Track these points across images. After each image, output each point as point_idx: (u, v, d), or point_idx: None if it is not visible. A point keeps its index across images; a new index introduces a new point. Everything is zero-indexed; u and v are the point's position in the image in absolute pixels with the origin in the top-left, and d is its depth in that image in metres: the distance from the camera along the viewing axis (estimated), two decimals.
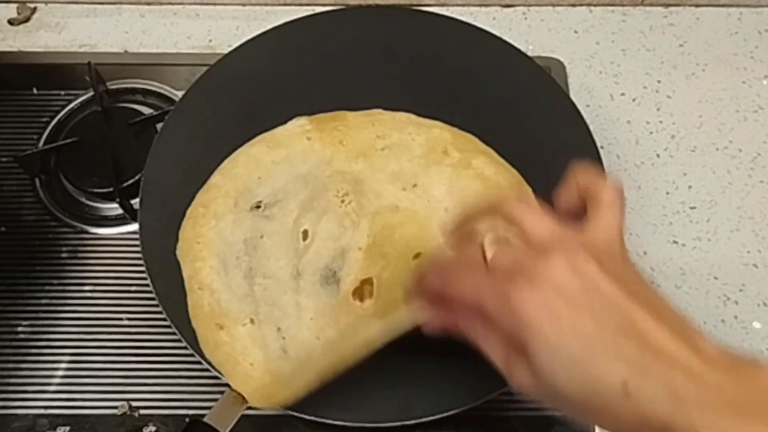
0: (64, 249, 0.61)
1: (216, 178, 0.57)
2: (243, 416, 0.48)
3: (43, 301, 0.59)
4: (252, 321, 0.51)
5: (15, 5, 0.75)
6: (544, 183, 0.48)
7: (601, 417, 0.35)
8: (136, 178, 0.61)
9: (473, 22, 0.64)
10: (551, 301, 0.35)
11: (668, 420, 0.33)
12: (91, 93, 0.67)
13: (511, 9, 0.75)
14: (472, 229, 0.43)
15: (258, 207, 0.55)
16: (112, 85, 0.69)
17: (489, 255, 0.39)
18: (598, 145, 0.58)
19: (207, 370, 0.50)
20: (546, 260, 0.36)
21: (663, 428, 0.33)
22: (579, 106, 0.60)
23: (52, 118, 0.67)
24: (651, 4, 0.75)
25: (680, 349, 0.34)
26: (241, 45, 0.63)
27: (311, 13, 0.66)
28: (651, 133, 0.68)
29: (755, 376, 0.33)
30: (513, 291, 0.36)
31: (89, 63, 0.67)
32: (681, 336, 0.35)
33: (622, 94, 0.70)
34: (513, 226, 0.40)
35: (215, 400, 0.49)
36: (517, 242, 0.39)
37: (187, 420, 0.50)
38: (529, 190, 0.57)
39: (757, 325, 0.59)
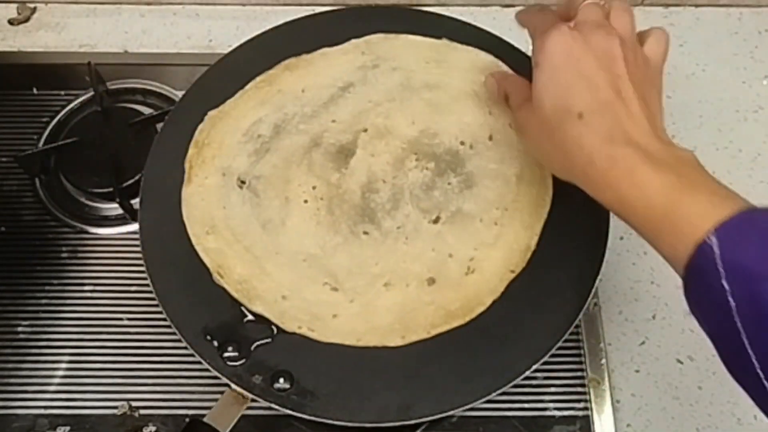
0: (64, 249, 0.61)
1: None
2: (243, 416, 0.48)
3: (43, 301, 0.59)
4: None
5: (15, 5, 0.75)
6: None
7: (553, 140, 0.45)
8: (136, 178, 0.61)
9: (473, 22, 0.64)
10: (575, 43, 0.44)
11: (595, 150, 0.42)
12: (91, 93, 0.67)
13: (511, 9, 0.75)
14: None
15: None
16: (112, 85, 0.69)
17: (579, 10, 0.47)
18: None
19: (207, 370, 0.50)
20: (595, 30, 0.45)
21: (588, 156, 0.42)
22: None
23: (52, 118, 0.67)
24: (651, 4, 0.75)
25: (640, 116, 0.43)
26: (242, 45, 0.62)
27: (311, 13, 0.66)
28: None
29: (678, 150, 0.42)
30: (558, 28, 0.45)
31: (89, 63, 0.67)
32: (648, 115, 0.43)
33: None
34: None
35: (215, 400, 0.49)
36: (599, 12, 0.47)
37: (187, 420, 0.50)
38: None
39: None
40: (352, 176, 0.55)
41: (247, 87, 0.59)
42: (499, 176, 0.55)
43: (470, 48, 0.61)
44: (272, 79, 0.59)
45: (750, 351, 0.34)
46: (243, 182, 0.55)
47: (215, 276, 0.52)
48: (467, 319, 0.50)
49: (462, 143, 0.56)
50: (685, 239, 0.37)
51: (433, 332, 0.50)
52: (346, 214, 0.54)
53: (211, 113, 0.57)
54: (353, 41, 0.61)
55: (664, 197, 0.39)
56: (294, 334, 0.50)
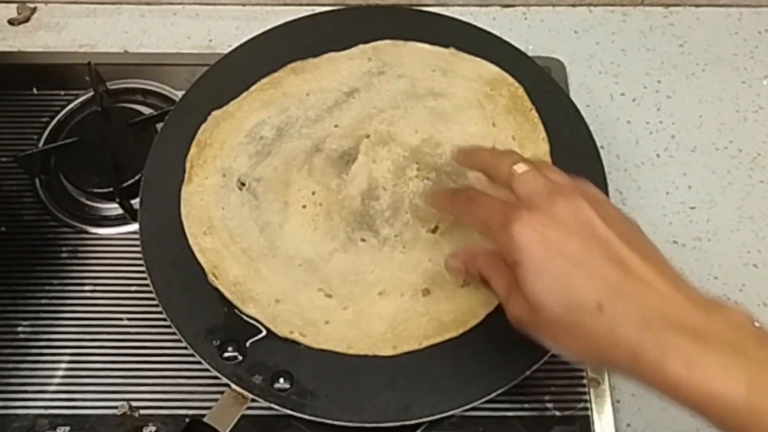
0: (64, 249, 0.61)
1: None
2: (243, 416, 0.48)
3: (43, 301, 0.59)
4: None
5: (15, 5, 0.75)
6: None
7: (577, 337, 0.39)
8: (136, 178, 0.61)
9: (473, 22, 0.64)
10: (545, 228, 0.39)
11: (636, 342, 0.36)
12: (91, 93, 0.67)
13: (511, 9, 0.75)
14: (494, 161, 0.46)
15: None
16: (112, 85, 0.69)
17: (515, 184, 0.43)
18: (598, 145, 0.58)
19: (207, 370, 0.50)
20: (552, 198, 0.40)
21: (631, 350, 0.36)
22: (579, 106, 0.60)
23: (52, 118, 0.67)
24: (651, 4, 0.75)
25: (658, 281, 0.37)
26: (241, 45, 0.63)
27: (311, 13, 0.66)
28: (651, 133, 0.68)
29: (724, 313, 0.36)
30: (516, 213, 0.40)
31: (89, 63, 0.67)
32: (662, 273, 0.38)
33: (622, 94, 0.70)
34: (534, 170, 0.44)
35: (215, 400, 0.49)
36: (540, 179, 0.43)
37: (187, 420, 0.50)
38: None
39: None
40: (353, 182, 0.55)
41: (252, 88, 0.59)
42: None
43: (477, 58, 0.61)
44: (277, 81, 0.59)
45: None
46: (243, 184, 0.55)
47: (210, 277, 0.52)
48: (460, 331, 0.51)
49: None
50: None
51: (425, 343, 0.50)
52: (345, 221, 0.54)
53: (214, 113, 0.58)
54: (360, 46, 0.61)
55: (739, 389, 0.33)
56: (285, 339, 0.50)
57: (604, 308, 0.37)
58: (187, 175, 0.55)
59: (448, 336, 0.50)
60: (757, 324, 0.36)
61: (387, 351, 0.50)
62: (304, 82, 0.59)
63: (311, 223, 0.54)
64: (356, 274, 0.52)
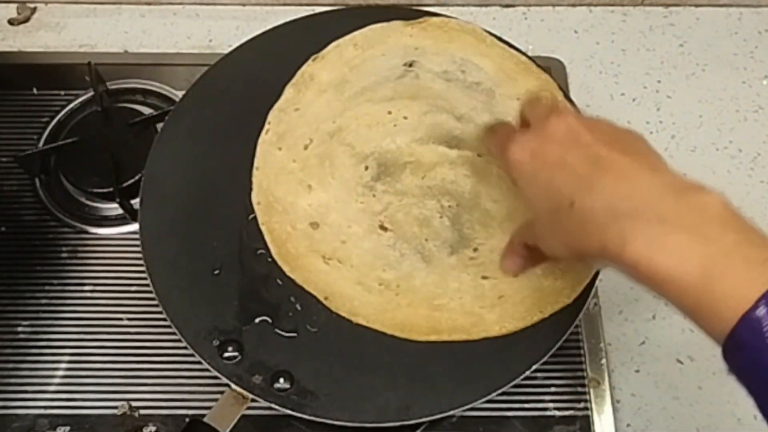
0: (64, 249, 0.61)
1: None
2: (243, 416, 0.48)
3: (43, 301, 0.59)
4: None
5: (15, 5, 0.75)
6: None
7: (557, 234, 0.42)
8: (136, 178, 0.61)
9: (473, 22, 0.64)
10: (533, 144, 0.43)
11: (602, 231, 0.38)
12: (91, 93, 0.67)
13: (511, 9, 0.75)
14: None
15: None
16: (112, 85, 0.69)
17: (526, 113, 0.47)
18: None
19: (207, 370, 0.50)
20: (546, 119, 0.43)
21: (599, 240, 0.38)
22: (579, 106, 0.59)
23: (52, 118, 0.67)
24: (651, 4, 0.75)
25: (632, 170, 0.39)
26: (241, 45, 0.62)
27: (311, 13, 0.66)
28: (651, 133, 0.68)
29: (694, 197, 0.37)
30: (512, 138, 0.45)
31: (89, 63, 0.67)
32: (639, 162, 0.39)
33: (622, 94, 0.70)
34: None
35: (215, 400, 0.49)
36: (539, 108, 0.46)
37: (187, 420, 0.50)
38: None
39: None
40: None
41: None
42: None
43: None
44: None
45: None
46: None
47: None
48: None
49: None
50: (726, 312, 0.34)
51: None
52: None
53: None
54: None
55: (694, 271, 0.35)
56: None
57: (575, 204, 0.39)
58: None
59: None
60: (729, 208, 0.37)
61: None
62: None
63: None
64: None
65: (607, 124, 0.43)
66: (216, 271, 0.53)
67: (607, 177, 0.39)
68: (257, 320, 0.51)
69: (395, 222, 0.54)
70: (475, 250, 0.53)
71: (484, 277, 0.52)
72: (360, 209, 0.54)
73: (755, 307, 0.33)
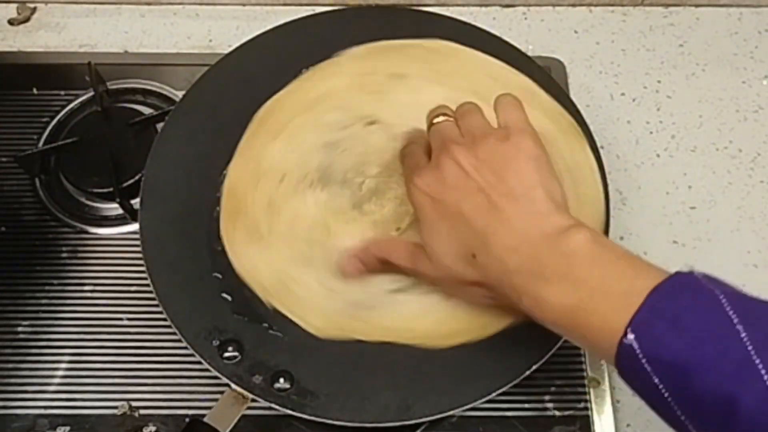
0: (64, 249, 0.61)
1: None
2: (243, 416, 0.48)
3: (43, 301, 0.59)
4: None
5: (15, 5, 0.75)
6: None
7: (466, 285, 0.45)
8: (136, 178, 0.61)
9: (473, 22, 0.64)
10: (431, 188, 0.46)
11: (500, 283, 0.43)
12: (91, 93, 0.67)
13: (511, 9, 0.75)
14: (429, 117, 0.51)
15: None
16: (112, 85, 0.68)
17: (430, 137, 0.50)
18: (598, 145, 0.58)
19: (207, 370, 0.50)
20: (441, 153, 0.46)
21: (500, 290, 0.43)
22: (579, 106, 0.60)
23: (52, 118, 0.67)
24: (651, 4, 0.75)
25: (519, 219, 0.42)
26: (242, 45, 0.63)
27: (311, 13, 0.66)
28: (651, 133, 0.68)
29: (564, 241, 0.40)
30: (414, 175, 0.47)
31: (89, 63, 0.67)
32: (527, 214, 0.43)
33: (622, 94, 0.70)
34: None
35: (215, 400, 0.49)
36: (436, 137, 0.49)
37: (188, 420, 0.50)
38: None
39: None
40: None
41: None
42: None
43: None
44: None
45: (689, 428, 0.35)
46: None
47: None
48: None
49: None
50: (605, 344, 0.37)
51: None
52: None
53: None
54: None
55: (571, 315, 0.39)
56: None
57: (476, 257, 0.43)
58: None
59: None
60: (596, 243, 0.40)
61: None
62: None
63: None
64: None
65: (493, 149, 0.45)
66: (216, 272, 0.53)
67: (498, 233, 0.42)
68: (251, 317, 0.51)
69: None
70: None
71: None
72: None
73: (624, 335, 0.35)
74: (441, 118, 0.49)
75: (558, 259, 0.40)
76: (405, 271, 0.49)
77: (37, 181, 0.64)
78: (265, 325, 0.51)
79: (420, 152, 0.51)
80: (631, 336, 0.35)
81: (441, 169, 0.45)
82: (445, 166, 0.45)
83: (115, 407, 0.55)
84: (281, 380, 0.49)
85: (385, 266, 0.50)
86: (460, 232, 0.44)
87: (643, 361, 0.35)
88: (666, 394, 0.35)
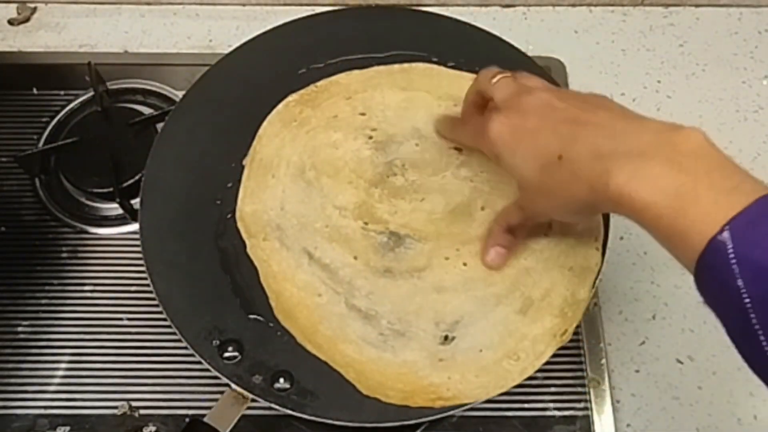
0: (64, 249, 0.61)
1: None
2: (243, 416, 0.48)
3: (43, 301, 0.59)
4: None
5: (15, 5, 0.75)
6: None
7: (550, 191, 0.44)
8: (136, 178, 0.61)
9: (473, 22, 0.64)
10: (510, 118, 0.45)
11: (589, 172, 0.40)
12: (91, 93, 0.67)
13: (511, 9, 0.75)
14: (477, 86, 0.51)
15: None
16: (112, 85, 0.69)
17: (493, 94, 0.48)
18: None
19: (207, 370, 0.50)
20: (519, 96, 0.46)
21: (587, 182, 0.40)
22: None
23: (52, 118, 0.67)
24: (651, 4, 0.75)
25: (610, 120, 0.42)
26: (242, 45, 0.62)
27: (311, 13, 0.66)
28: None
29: (673, 132, 0.39)
30: (489, 119, 0.46)
31: (89, 63, 0.67)
32: (614, 114, 0.42)
33: (622, 94, 0.70)
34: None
35: (215, 400, 0.49)
36: (508, 88, 0.47)
37: (187, 420, 0.50)
38: None
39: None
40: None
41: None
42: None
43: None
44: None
45: (765, 345, 0.34)
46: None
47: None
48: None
49: None
50: (696, 236, 0.35)
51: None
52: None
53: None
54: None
55: (667, 199, 0.37)
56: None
57: (563, 156, 0.42)
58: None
59: None
60: (707, 142, 0.39)
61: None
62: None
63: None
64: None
65: (574, 91, 0.47)
66: (216, 271, 0.53)
67: (588, 128, 0.42)
68: (251, 317, 0.51)
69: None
70: None
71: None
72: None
73: (721, 231, 0.34)
74: (498, 76, 0.48)
75: (664, 144, 0.38)
76: (523, 222, 0.50)
77: (37, 181, 0.64)
78: (271, 324, 0.51)
79: (473, 113, 0.51)
80: (726, 233, 0.34)
81: (521, 105, 0.45)
82: (525, 101, 0.45)
83: (115, 407, 0.55)
84: (281, 380, 0.49)
85: (518, 234, 0.51)
86: (543, 140, 0.43)
87: (732, 260, 0.34)
88: (747, 299, 0.33)
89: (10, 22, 0.74)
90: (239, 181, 0.56)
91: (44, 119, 0.67)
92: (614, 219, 0.55)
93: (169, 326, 0.51)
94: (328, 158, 0.56)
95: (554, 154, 0.42)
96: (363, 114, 0.58)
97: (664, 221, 0.37)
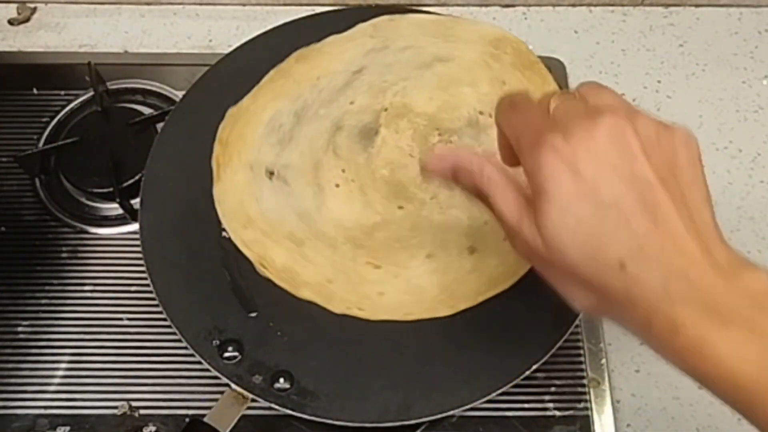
0: (64, 249, 0.61)
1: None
2: (243, 416, 0.48)
3: (43, 301, 0.59)
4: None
5: (15, 5, 0.75)
6: None
7: (590, 289, 0.36)
8: (136, 178, 0.61)
9: None
10: (580, 161, 0.34)
11: (651, 308, 0.33)
12: (91, 93, 0.67)
13: (511, 9, 0.75)
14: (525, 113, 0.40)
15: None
16: (112, 85, 0.69)
17: (552, 105, 0.38)
18: None
19: (207, 370, 0.50)
20: (593, 121, 0.35)
21: (645, 316, 0.34)
22: None
23: (52, 118, 0.67)
24: (651, 4, 0.75)
25: (687, 237, 0.34)
26: (242, 45, 0.63)
27: (311, 13, 0.66)
28: None
29: (746, 281, 0.33)
30: (550, 137, 0.35)
31: (89, 63, 0.67)
32: (694, 224, 0.34)
33: (623, 94, 0.68)
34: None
35: (215, 400, 0.49)
36: (579, 103, 0.37)
37: (188, 420, 0.50)
38: None
39: None
40: (379, 155, 0.56)
41: (262, 81, 0.59)
42: None
43: (475, 20, 0.61)
44: (286, 71, 0.60)
45: None
46: (272, 173, 0.56)
47: (258, 267, 0.52)
48: (510, 283, 0.51)
49: (481, 113, 0.57)
50: None
51: (481, 299, 0.51)
52: (379, 192, 0.55)
53: (230, 111, 0.58)
54: (360, 26, 0.62)
55: (750, 371, 0.31)
56: (344, 315, 0.51)
57: (626, 268, 0.34)
58: (215, 175, 0.56)
59: (500, 289, 0.51)
60: None
61: (445, 311, 0.51)
62: (312, 68, 0.60)
63: (347, 201, 0.54)
64: (400, 242, 0.53)
65: (656, 132, 0.36)
66: (216, 271, 0.53)
67: (665, 243, 0.34)
68: (253, 315, 0.51)
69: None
70: None
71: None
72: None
73: None
74: (562, 98, 0.38)
75: (738, 298, 0.32)
76: (495, 213, 0.39)
77: (37, 181, 0.64)
78: (271, 324, 0.51)
79: (537, 108, 0.39)
80: None
81: (596, 140, 0.34)
82: (601, 136, 0.34)
83: (115, 407, 0.55)
84: (281, 380, 0.49)
85: (478, 198, 0.41)
86: (609, 229, 0.34)
87: None
88: None
89: (10, 22, 0.74)
90: None
91: (44, 119, 0.67)
92: None
93: (169, 326, 0.51)
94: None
95: (616, 258, 0.34)
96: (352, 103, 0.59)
97: (744, 394, 0.32)
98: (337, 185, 0.55)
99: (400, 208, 0.54)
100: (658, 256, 0.33)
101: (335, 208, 0.54)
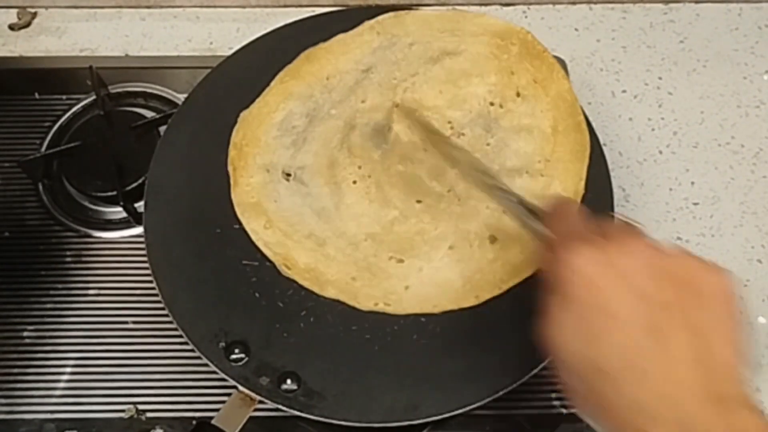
0: (68, 253, 0.61)
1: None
2: (251, 418, 0.48)
3: (48, 306, 0.59)
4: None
5: (15, 10, 0.75)
6: None
7: (586, 396, 0.37)
8: (140, 181, 0.61)
9: None
10: (604, 265, 0.36)
11: (646, 426, 0.34)
12: (93, 97, 0.67)
13: (511, 8, 0.75)
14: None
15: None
16: (114, 89, 0.69)
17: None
18: (601, 142, 0.58)
19: (214, 372, 0.50)
20: (622, 240, 0.37)
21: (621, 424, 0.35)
22: (581, 104, 0.59)
23: (54, 122, 0.67)
24: (651, 1, 0.75)
25: (685, 366, 0.34)
26: (243, 47, 0.63)
27: (312, 14, 0.66)
28: (653, 129, 0.68)
29: (737, 420, 0.33)
30: (576, 247, 0.37)
31: (90, 67, 0.67)
32: (696, 353, 0.35)
33: (624, 92, 0.70)
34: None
35: (223, 402, 0.49)
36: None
37: (195, 422, 0.50)
38: None
39: (762, 320, 0.59)
40: (393, 150, 0.56)
41: (272, 83, 0.59)
42: (534, 129, 0.56)
43: (480, 13, 0.62)
44: (294, 72, 0.60)
45: None
46: (288, 174, 0.56)
47: (282, 269, 0.53)
48: (534, 269, 0.51)
49: (492, 104, 0.58)
50: None
51: (505, 287, 0.51)
52: (396, 187, 0.55)
53: (242, 114, 0.58)
54: (366, 23, 0.62)
55: None
56: (371, 312, 0.51)
57: (622, 387, 0.35)
58: (232, 179, 0.56)
59: (524, 275, 0.52)
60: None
61: (471, 301, 0.51)
62: (321, 68, 0.60)
63: (365, 197, 0.55)
64: (422, 235, 0.53)
65: (682, 265, 0.37)
66: (221, 273, 0.53)
67: (659, 366, 0.35)
68: (258, 317, 0.51)
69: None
70: None
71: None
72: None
73: None
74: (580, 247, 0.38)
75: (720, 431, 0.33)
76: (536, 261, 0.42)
77: (40, 185, 0.64)
78: (277, 325, 0.51)
79: (577, 217, 0.41)
80: None
81: (624, 251, 0.36)
82: (629, 248, 0.36)
83: (122, 411, 0.55)
84: (288, 381, 0.49)
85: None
86: (616, 340, 0.35)
87: None
88: None
89: (11, 27, 0.74)
90: None
91: (46, 124, 0.67)
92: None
93: (175, 329, 0.51)
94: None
95: (614, 370, 0.35)
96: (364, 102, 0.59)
97: None
98: (354, 182, 0.55)
99: (419, 202, 0.54)
100: (653, 379, 0.34)
101: (353, 205, 0.55)
